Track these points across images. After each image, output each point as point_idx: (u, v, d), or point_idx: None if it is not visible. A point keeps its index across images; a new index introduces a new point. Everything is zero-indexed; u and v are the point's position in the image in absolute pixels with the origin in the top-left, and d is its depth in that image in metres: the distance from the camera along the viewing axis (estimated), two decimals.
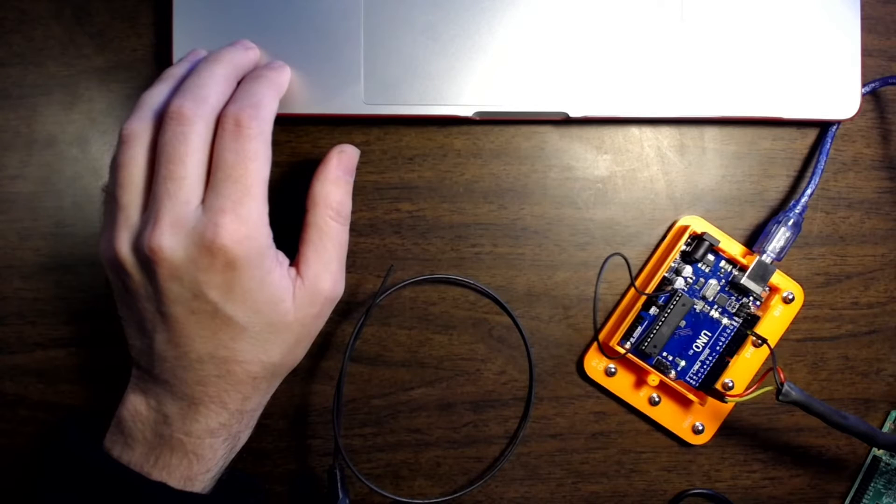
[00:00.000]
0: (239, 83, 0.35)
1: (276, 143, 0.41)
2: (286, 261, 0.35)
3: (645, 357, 0.41)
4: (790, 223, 0.40)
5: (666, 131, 0.42)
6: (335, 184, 0.35)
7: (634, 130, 0.42)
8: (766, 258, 0.40)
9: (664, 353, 0.41)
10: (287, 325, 0.34)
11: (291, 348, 0.35)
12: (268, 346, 0.34)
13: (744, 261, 0.40)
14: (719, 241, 0.40)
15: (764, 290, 0.41)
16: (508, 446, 0.42)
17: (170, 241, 0.31)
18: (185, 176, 0.32)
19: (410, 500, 0.41)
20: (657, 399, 0.41)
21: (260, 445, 0.41)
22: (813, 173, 0.40)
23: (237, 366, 0.33)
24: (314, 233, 0.35)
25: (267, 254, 0.33)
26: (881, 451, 0.42)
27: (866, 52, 0.41)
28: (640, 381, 0.41)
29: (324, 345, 0.41)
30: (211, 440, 0.34)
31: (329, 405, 0.41)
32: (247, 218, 0.32)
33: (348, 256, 0.41)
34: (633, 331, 0.41)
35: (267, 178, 0.33)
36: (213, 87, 0.33)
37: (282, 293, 0.34)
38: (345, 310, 0.41)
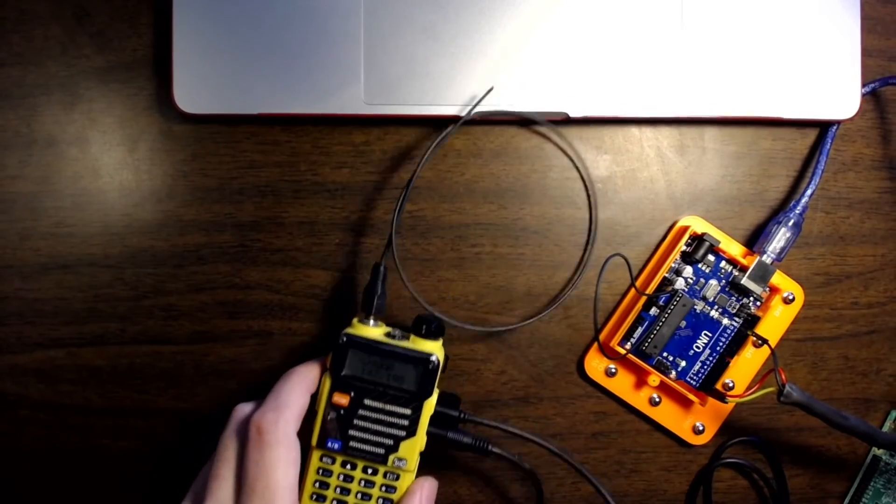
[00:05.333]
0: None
1: (276, 143, 0.41)
2: None
3: (645, 357, 0.41)
4: (790, 223, 0.40)
5: (666, 131, 0.42)
6: None
7: (634, 130, 0.42)
8: (767, 258, 0.40)
9: (664, 354, 0.41)
10: None
11: None
12: None
13: (744, 261, 0.40)
14: (719, 242, 0.40)
15: (764, 291, 0.41)
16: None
17: None
18: (217, 489, 0.34)
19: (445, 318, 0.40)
20: (658, 399, 0.41)
21: None
22: (813, 173, 0.40)
23: None
24: None
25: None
26: (881, 451, 0.42)
27: (866, 53, 0.41)
28: (641, 382, 0.41)
29: (320, 345, 0.41)
30: None
31: None
32: None
33: (349, 256, 0.41)
34: (634, 331, 0.41)
35: (293, 483, 0.34)
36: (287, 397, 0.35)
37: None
38: (344, 309, 0.41)
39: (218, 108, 0.39)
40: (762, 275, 0.40)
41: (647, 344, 0.40)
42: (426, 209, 0.41)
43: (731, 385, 0.40)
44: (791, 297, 0.41)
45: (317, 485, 0.36)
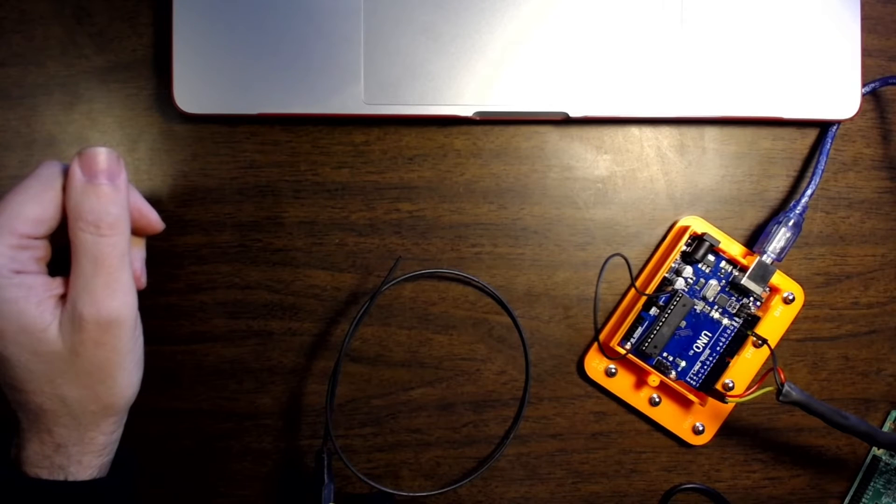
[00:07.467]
0: None
1: (276, 143, 0.41)
2: (57, 287, 0.32)
3: (645, 357, 0.41)
4: (790, 223, 0.40)
5: (666, 131, 0.42)
6: (83, 193, 0.32)
7: (634, 130, 0.42)
8: (767, 258, 0.40)
9: (664, 354, 0.41)
10: (57, 354, 0.31)
11: (86, 381, 0.32)
12: (51, 377, 0.31)
13: (744, 261, 0.40)
14: (720, 242, 0.40)
15: (764, 291, 0.41)
16: (500, 444, 0.42)
17: None
18: None
19: (395, 492, 0.41)
20: (657, 399, 0.41)
21: (260, 446, 0.41)
22: (813, 173, 0.40)
23: (24, 396, 0.32)
24: (72, 252, 0.32)
25: (2, 284, 0.31)
26: (881, 451, 0.42)
27: (866, 52, 0.41)
28: (641, 382, 0.41)
29: (320, 345, 0.41)
30: (37, 469, 0.32)
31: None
32: None
33: (349, 256, 0.41)
34: (634, 331, 0.41)
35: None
36: None
37: (38, 322, 0.31)
38: (344, 309, 0.41)
39: (218, 108, 0.39)
40: (762, 275, 0.40)
41: (647, 344, 0.40)
42: (426, 209, 0.41)
43: (730, 385, 0.40)
44: (791, 297, 0.41)
45: None
